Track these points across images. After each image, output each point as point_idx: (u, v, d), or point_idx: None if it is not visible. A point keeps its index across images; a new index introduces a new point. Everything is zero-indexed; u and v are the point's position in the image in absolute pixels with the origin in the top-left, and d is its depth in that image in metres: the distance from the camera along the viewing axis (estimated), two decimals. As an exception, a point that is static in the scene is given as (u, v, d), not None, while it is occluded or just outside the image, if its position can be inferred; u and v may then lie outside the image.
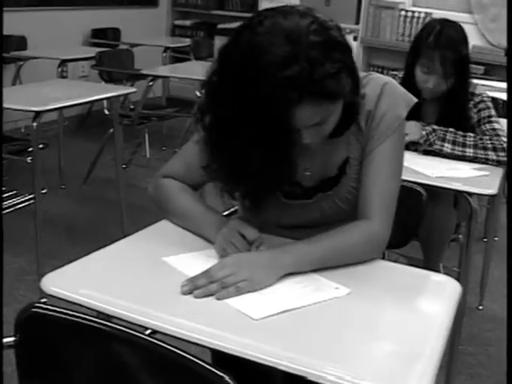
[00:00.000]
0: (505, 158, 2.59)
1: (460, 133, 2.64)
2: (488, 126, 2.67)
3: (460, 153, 2.62)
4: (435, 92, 2.71)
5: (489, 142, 2.61)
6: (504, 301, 3.43)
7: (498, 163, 2.60)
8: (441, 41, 2.63)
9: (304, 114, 1.37)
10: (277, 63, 1.31)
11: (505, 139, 2.63)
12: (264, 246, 1.50)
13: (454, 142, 2.63)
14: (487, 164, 2.60)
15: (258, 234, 1.52)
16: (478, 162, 2.60)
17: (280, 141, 1.39)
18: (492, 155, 2.60)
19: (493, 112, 2.72)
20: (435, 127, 2.66)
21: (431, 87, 2.67)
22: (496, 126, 2.68)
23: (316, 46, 1.33)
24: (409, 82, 2.69)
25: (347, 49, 1.41)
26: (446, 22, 2.74)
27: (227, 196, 1.59)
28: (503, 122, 2.84)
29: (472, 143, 2.62)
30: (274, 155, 1.41)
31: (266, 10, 1.41)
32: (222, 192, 1.57)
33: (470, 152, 2.61)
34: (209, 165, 1.53)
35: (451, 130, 2.64)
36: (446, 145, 2.63)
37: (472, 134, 2.64)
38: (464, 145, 2.62)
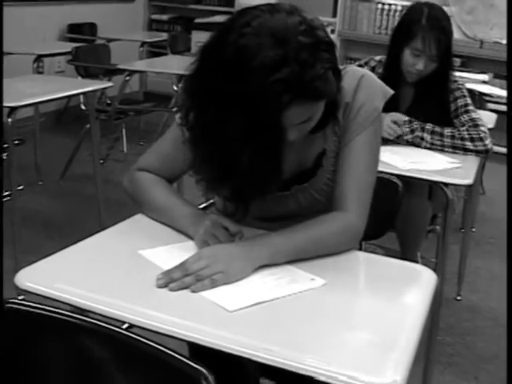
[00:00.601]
0: (482, 148, 2.62)
1: (437, 126, 2.67)
2: (466, 117, 2.69)
3: (439, 142, 2.64)
4: (422, 75, 2.72)
5: (466, 132, 2.63)
6: (482, 291, 3.48)
7: (476, 153, 2.62)
8: (434, 23, 2.67)
9: (292, 115, 1.36)
10: (267, 66, 1.29)
11: (483, 129, 2.65)
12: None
13: (432, 132, 2.65)
14: (466, 154, 2.62)
15: (239, 227, 1.52)
16: (457, 151, 2.62)
17: (267, 139, 1.38)
18: (469, 145, 2.62)
19: (469, 100, 2.75)
20: (411, 119, 2.69)
21: (422, 69, 2.69)
22: (474, 115, 2.70)
23: (305, 47, 1.32)
24: (391, 66, 2.71)
25: (333, 47, 1.41)
26: (432, 5, 2.78)
27: (209, 191, 1.58)
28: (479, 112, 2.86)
29: (450, 134, 2.64)
30: (261, 153, 1.39)
31: (250, 8, 1.38)
32: (205, 190, 1.55)
33: (448, 142, 2.63)
34: (195, 164, 1.52)
35: (428, 124, 2.67)
36: (425, 134, 2.66)
37: (449, 128, 2.66)
38: (442, 134, 2.64)
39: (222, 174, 1.47)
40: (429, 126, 2.66)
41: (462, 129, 2.65)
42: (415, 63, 2.69)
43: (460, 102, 2.73)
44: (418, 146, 2.67)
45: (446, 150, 2.64)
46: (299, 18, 1.35)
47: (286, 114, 1.35)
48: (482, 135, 2.63)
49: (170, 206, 1.62)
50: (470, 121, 2.67)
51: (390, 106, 2.64)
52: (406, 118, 2.68)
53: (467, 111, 2.71)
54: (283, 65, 1.30)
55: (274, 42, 1.30)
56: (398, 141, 2.68)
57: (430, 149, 2.66)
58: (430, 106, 2.72)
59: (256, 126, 1.34)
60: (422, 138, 2.65)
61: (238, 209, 1.57)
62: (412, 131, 2.67)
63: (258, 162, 1.40)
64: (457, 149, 2.63)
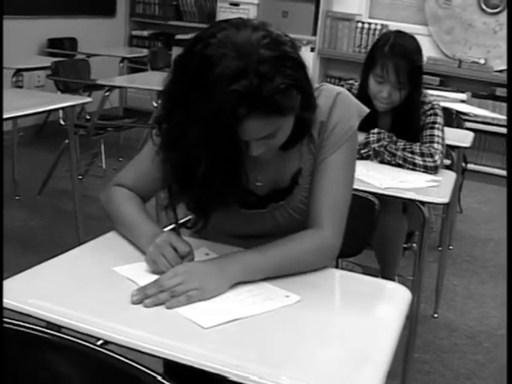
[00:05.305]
0: (431, 164, 2.63)
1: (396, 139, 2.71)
2: (428, 132, 2.73)
3: (393, 150, 2.66)
4: (388, 103, 2.74)
5: (417, 147, 2.66)
6: (459, 308, 3.49)
7: (424, 168, 2.63)
8: (395, 50, 2.67)
9: (251, 128, 1.37)
10: (226, 76, 1.31)
11: (436, 146, 2.67)
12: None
13: (390, 141, 2.69)
14: (415, 168, 2.65)
15: (189, 249, 1.50)
16: (407, 165, 2.65)
17: (227, 151, 1.39)
18: (418, 160, 2.64)
19: (438, 119, 2.76)
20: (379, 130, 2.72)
21: (385, 96, 2.70)
22: (435, 132, 2.72)
23: (266, 60, 1.33)
24: (363, 93, 2.73)
25: (300, 65, 1.41)
26: (399, 33, 2.79)
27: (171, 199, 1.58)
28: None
29: (401, 146, 2.66)
30: (220, 164, 1.41)
31: (221, 21, 1.41)
32: (168, 197, 1.56)
33: (400, 154, 2.66)
34: (163, 171, 1.52)
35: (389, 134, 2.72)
36: (383, 142, 2.69)
37: (403, 141, 2.70)
38: (396, 143, 2.67)
39: (182, 182, 1.49)
40: (387, 136, 2.71)
41: (415, 144, 2.68)
42: (380, 90, 2.71)
43: (429, 119, 2.75)
44: (379, 156, 2.71)
45: (397, 161, 2.66)
46: (264, 33, 1.36)
47: (244, 127, 1.36)
48: (432, 151, 2.65)
49: (134, 223, 1.62)
50: (429, 136, 2.70)
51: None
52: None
53: (432, 128, 2.73)
54: (242, 76, 1.31)
55: (236, 54, 1.32)
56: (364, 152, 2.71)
57: (389, 161, 2.69)
58: (406, 135, 2.74)
59: (214, 135, 1.36)
60: (386, 149, 2.69)
61: (198, 220, 1.58)
62: (379, 140, 2.70)
63: (215, 172, 1.42)
64: (406, 162, 2.65)
